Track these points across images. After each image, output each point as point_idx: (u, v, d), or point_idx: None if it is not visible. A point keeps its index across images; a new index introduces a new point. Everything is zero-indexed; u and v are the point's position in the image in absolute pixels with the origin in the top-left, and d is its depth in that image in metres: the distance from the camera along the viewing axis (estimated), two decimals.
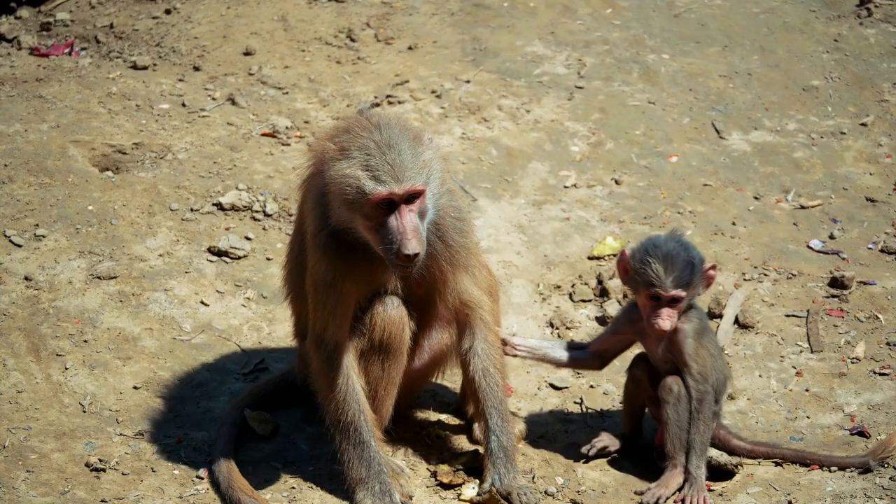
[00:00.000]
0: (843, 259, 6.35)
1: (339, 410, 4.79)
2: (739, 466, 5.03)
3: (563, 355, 5.22)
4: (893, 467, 4.99)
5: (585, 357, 5.22)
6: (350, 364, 4.80)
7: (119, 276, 5.83)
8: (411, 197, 4.53)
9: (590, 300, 6.13)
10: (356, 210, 4.56)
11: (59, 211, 6.09)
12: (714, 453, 5.02)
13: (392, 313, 4.81)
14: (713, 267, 4.97)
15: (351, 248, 4.70)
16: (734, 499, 4.91)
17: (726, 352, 5.78)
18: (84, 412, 5.22)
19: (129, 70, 7.59)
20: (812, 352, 5.75)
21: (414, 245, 4.50)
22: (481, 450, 5.06)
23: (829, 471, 4.99)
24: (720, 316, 5.96)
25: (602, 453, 5.13)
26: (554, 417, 5.46)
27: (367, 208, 4.53)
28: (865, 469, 4.95)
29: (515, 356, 5.24)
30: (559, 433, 5.33)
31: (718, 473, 5.02)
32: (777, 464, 5.08)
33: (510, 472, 4.91)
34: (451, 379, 5.57)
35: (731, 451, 5.09)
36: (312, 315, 4.85)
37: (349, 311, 4.79)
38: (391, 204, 4.51)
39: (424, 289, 4.91)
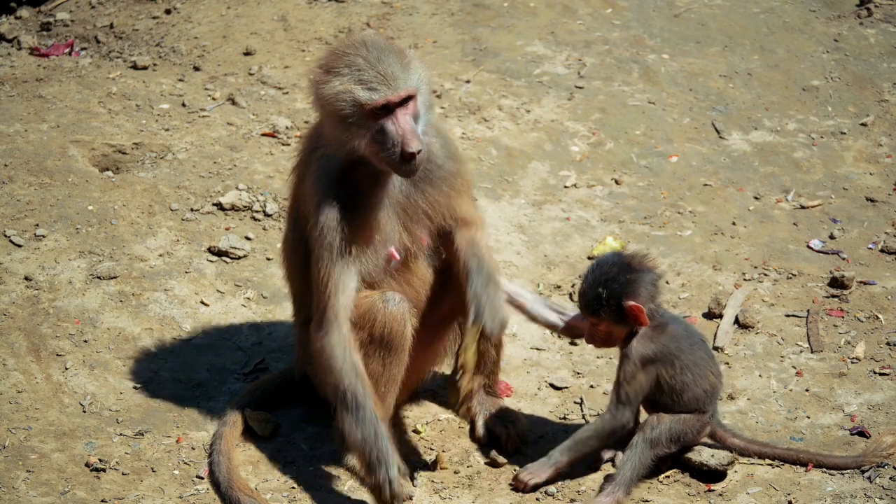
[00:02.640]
0: (843, 259, 6.35)
1: (338, 379, 4.77)
2: (730, 466, 5.01)
3: (538, 312, 5.22)
4: (893, 467, 4.99)
5: (558, 324, 5.21)
6: (350, 337, 4.80)
7: (119, 276, 5.83)
8: (404, 101, 4.68)
9: None
10: (352, 125, 4.68)
11: (59, 211, 6.09)
12: (704, 456, 5.01)
13: (393, 309, 4.82)
14: (635, 306, 4.86)
15: (353, 209, 4.77)
16: (734, 499, 4.92)
17: (726, 351, 5.78)
18: (84, 412, 5.22)
19: (129, 70, 7.59)
20: (812, 352, 5.76)
21: (415, 143, 4.66)
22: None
23: (830, 474, 4.99)
24: (720, 316, 5.97)
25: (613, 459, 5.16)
26: (554, 417, 5.46)
27: (363, 120, 4.66)
28: (862, 471, 4.96)
29: None
30: (559, 433, 5.33)
31: (710, 475, 5.01)
32: (771, 465, 5.08)
33: (500, 302, 4.89)
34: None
35: (729, 449, 5.08)
36: (316, 291, 4.86)
37: (352, 281, 4.82)
38: (387, 110, 4.65)
39: (428, 233, 4.97)
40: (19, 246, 5.87)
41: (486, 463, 5.14)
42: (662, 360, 4.95)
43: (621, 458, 4.96)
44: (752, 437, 5.18)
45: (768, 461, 5.09)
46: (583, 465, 5.09)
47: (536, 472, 4.98)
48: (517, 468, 5.08)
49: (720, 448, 5.07)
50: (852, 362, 5.65)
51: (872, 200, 6.81)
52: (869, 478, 4.92)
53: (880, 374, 5.56)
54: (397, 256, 4.91)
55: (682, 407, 4.98)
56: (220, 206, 6.35)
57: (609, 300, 4.87)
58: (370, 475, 4.73)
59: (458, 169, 5.00)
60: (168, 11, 8.22)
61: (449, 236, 5.01)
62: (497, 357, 5.31)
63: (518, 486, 4.98)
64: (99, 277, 5.79)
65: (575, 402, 5.54)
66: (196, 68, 7.61)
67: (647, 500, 4.93)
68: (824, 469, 5.01)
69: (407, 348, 4.89)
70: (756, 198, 6.85)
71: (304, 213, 4.91)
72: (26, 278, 5.73)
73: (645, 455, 4.91)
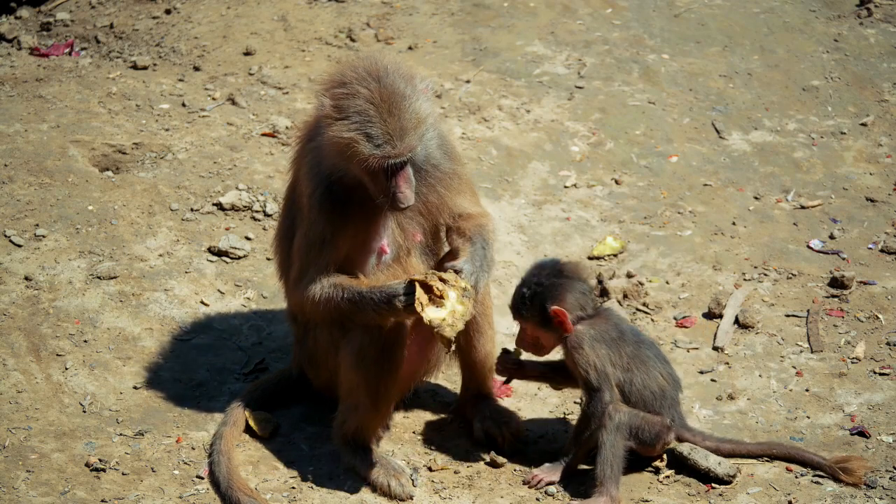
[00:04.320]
0: (843, 259, 6.35)
1: (330, 295, 4.80)
2: (735, 477, 5.00)
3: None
4: (894, 467, 5.00)
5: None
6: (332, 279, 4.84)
7: (119, 276, 5.83)
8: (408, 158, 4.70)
9: None
10: (353, 164, 4.70)
11: (59, 211, 6.09)
12: (711, 462, 5.01)
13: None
14: (558, 311, 4.89)
15: (346, 203, 4.79)
16: (734, 499, 4.92)
17: (726, 351, 5.78)
18: (84, 412, 5.22)
19: (129, 70, 7.59)
20: (812, 352, 5.76)
21: (408, 197, 4.70)
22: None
23: (829, 475, 4.99)
24: (720, 316, 5.97)
25: None
26: (554, 417, 5.46)
27: (364, 164, 4.66)
28: (831, 476, 4.96)
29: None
30: (559, 433, 5.33)
31: (716, 482, 5.00)
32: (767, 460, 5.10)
33: (484, 269, 4.86)
34: (451, 379, 5.57)
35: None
36: (297, 271, 4.89)
37: (335, 267, 4.86)
38: (389, 162, 4.66)
39: (421, 231, 4.98)
40: (19, 246, 5.87)
41: (485, 463, 5.15)
42: (607, 342, 4.96)
43: (599, 459, 4.93)
44: (722, 437, 5.17)
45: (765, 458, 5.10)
46: (587, 463, 5.09)
47: (549, 471, 5.02)
48: (517, 468, 5.09)
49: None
50: (852, 362, 5.65)
51: (872, 200, 6.81)
52: (868, 484, 4.93)
53: (880, 374, 5.56)
54: (387, 251, 4.92)
55: (636, 407, 4.98)
56: (220, 206, 6.35)
57: (532, 301, 4.92)
58: (389, 307, 4.73)
59: (454, 169, 4.99)
60: (168, 11, 8.22)
61: (451, 231, 5.02)
62: (488, 360, 5.30)
63: (531, 482, 5.01)
64: (99, 277, 5.79)
65: (575, 402, 5.54)
66: (196, 68, 7.61)
67: (647, 500, 4.93)
68: (798, 463, 5.02)
69: (404, 347, 4.89)
70: (756, 198, 6.85)
71: (300, 203, 4.93)
72: (26, 278, 5.73)
73: (616, 445, 4.89)
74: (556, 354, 5.17)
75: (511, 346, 5.39)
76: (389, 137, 4.62)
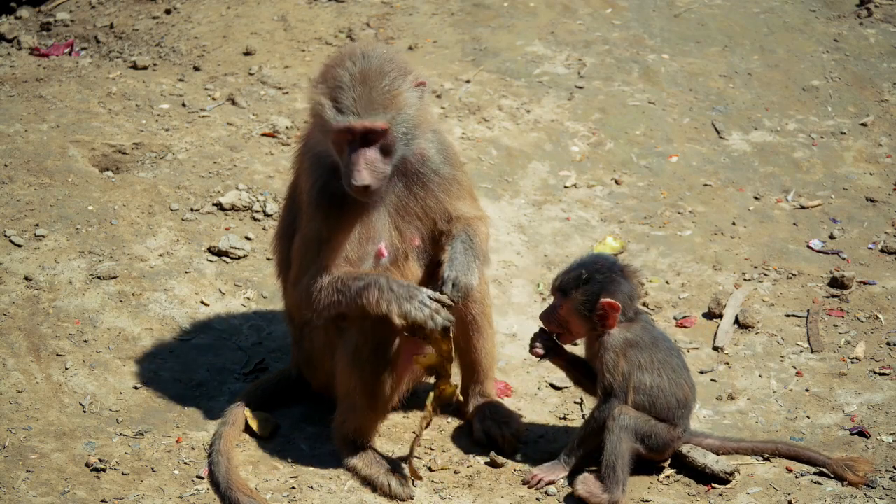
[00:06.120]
0: (843, 259, 6.36)
1: (331, 289, 4.77)
2: (732, 476, 5.00)
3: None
4: (894, 467, 5.00)
5: None
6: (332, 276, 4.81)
7: (119, 276, 5.83)
8: (371, 132, 4.63)
9: None
10: (326, 133, 4.70)
11: (59, 211, 6.09)
12: (709, 460, 5.01)
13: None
14: (610, 304, 4.85)
15: (344, 200, 4.78)
16: (734, 499, 4.92)
17: (726, 351, 5.78)
18: (84, 412, 5.22)
19: (129, 70, 7.59)
20: (812, 352, 5.76)
21: (363, 177, 4.62)
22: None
23: (830, 476, 4.99)
24: (720, 316, 5.97)
25: None
26: (554, 417, 5.46)
27: (331, 135, 4.67)
28: (835, 475, 4.96)
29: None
30: (559, 433, 5.33)
31: (713, 480, 5.00)
32: (766, 458, 5.09)
33: (469, 269, 4.83)
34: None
35: (706, 450, 5.08)
36: (295, 271, 4.87)
37: (333, 267, 4.84)
38: (351, 134, 4.63)
39: (419, 235, 4.95)
40: (19, 246, 5.87)
41: (485, 463, 5.15)
42: (640, 346, 4.93)
43: (603, 461, 4.92)
44: (724, 436, 5.17)
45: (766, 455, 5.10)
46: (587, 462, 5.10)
47: (549, 471, 5.01)
48: (517, 468, 5.09)
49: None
50: (852, 362, 5.65)
51: (872, 200, 6.81)
52: (868, 484, 4.93)
53: (880, 374, 5.56)
54: (385, 254, 4.91)
55: (654, 415, 4.97)
56: (220, 206, 6.35)
57: (587, 284, 4.88)
58: (402, 305, 4.70)
59: (454, 174, 4.97)
60: (168, 11, 8.22)
61: (444, 234, 5.01)
62: (488, 360, 5.29)
63: (531, 482, 5.00)
64: (99, 277, 5.79)
65: (575, 402, 5.54)
66: (196, 68, 7.61)
67: (647, 500, 4.93)
68: (803, 462, 5.02)
69: (400, 349, 4.89)
70: (756, 198, 6.85)
71: (300, 200, 4.94)
72: (26, 278, 5.73)
73: (620, 448, 4.87)
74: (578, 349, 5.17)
75: (512, 347, 5.40)
76: (353, 104, 4.60)
